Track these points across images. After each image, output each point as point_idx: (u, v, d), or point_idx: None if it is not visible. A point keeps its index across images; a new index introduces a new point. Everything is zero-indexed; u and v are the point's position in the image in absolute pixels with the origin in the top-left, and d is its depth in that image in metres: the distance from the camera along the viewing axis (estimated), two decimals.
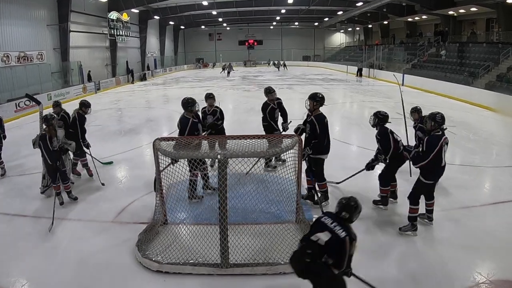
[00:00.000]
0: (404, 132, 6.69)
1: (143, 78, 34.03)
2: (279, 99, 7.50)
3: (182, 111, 6.12)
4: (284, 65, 43.64)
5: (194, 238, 4.83)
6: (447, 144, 5.00)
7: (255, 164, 5.62)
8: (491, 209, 5.91)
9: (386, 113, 5.81)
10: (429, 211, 5.37)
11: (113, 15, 29.35)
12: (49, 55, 21.77)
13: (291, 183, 5.14)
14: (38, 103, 6.99)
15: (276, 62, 44.70)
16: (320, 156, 5.71)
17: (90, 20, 26.72)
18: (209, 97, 7.35)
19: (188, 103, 6.01)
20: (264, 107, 7.38)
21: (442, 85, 19.53)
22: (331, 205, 5.98)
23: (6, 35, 18.37)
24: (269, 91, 7.37)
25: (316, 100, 5.67)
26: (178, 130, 6.07)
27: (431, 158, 4.80)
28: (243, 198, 5.18)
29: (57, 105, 7.75)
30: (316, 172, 5.85)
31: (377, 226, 5.38)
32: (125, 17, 31.16)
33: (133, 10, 32.22)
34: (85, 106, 7.73)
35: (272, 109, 7.36)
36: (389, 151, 5.56)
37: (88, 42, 26.87)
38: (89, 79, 25.68)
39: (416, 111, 6.91)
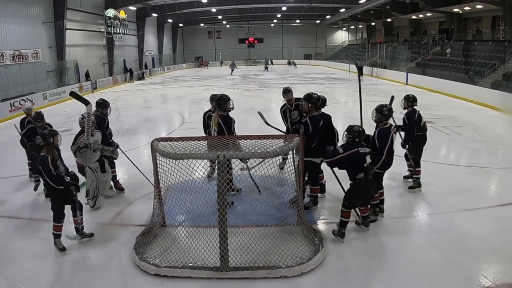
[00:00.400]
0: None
1: (141, 77, 34.09)
2: (298, 100, 6.55)
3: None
4: (293, 63, 45.39)
5: (193, 240, 4.83)
6: (395, 133, 5.50)
7: (258, 164, 5.56)
8: (497, 211, 5.90)
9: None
10: (381, 201, 5.61)
11: (110, 12, 29.39)
12: (44, 53, 21.79)
13: (292, 184, 5.14)
14: (87, 103, 6.10)
15: (266, 60, 44.90)
16: (312, 159, 5.57)
17: (87, 17, 26.76)
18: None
19: (222, 100, 5.94)
20: (280, 108, 7.15)
21: (447, 84, 19.53)
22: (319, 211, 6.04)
23: (1, 33, 18.41)
24: (283, 91, 7.10)
25: (311, 101, 5.55)
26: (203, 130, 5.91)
27: (386, 151, 5.24)
28: (245, 201, 5.18)
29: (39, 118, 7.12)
30: (311, 175, 5.82)
31: (384, 228, 5.38)
32: (122, 14, 31.18)
33: (130, 7, 32.27)
34: (101, 106, 6.94)
35: (287, 110, 6.97)
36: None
37: (84, 40, 26.90)
38: (88, 77, 25.68)
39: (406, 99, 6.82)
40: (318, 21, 50.94)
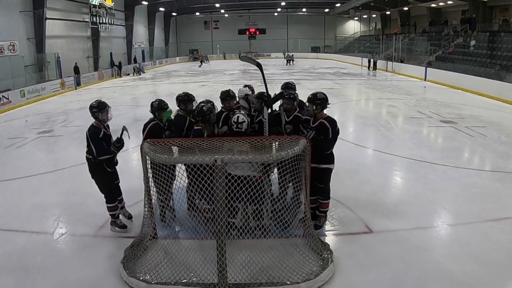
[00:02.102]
0: None
1: (137, 72, 34.08)
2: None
3: (174, 109, 6.15)
4: (291, 58, 43.41)
5: (187, 254, 4.84)
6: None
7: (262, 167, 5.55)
8: None
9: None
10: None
11: (95, 0, 29.47)
12: (22, 46, 21.86)
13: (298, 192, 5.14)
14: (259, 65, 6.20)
15: (286, 53, 44.54)
16: (329, 165, 5.50)
17: (69, 5, 26.86)
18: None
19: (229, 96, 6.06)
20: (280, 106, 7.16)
21: (470, 80, 19.52)
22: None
23: None
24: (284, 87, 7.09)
25: (316, 102, 5.39)
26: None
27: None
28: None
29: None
30: (325, 188, 5.62)
31: (393, 238, 5.39)
32: (108, 2, 31.31)
33: None
34: (184, 103, 6.06)
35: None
36: None
37: (66, 31, 26.99)
38: (76, 72, 25.71)
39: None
40: (326, 10, 51.03)
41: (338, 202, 6.43)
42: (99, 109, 5.60)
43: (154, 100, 5.99)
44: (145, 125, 5.83)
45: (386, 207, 6.31)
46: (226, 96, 6.29)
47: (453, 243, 5.35)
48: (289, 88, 6.60)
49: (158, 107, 5.86)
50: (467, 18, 29.67)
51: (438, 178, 7.58)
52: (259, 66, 6.16)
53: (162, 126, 5.81)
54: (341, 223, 5.88)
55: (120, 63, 32.47)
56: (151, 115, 5.97)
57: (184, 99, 6.04)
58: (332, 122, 5.35)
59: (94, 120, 5.72)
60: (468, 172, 7.96)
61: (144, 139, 5.33)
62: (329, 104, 5.42)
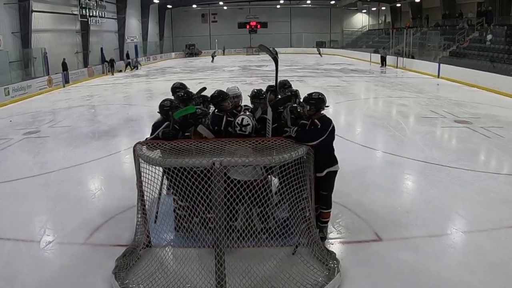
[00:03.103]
0: None
1: (134, 66, 34.11)
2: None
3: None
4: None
5: (183, 263, 4.83)
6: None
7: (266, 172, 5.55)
8: None
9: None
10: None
11: None
12: (6, 40, 21.89)
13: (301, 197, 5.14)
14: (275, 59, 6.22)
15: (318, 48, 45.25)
16: (333, 168, 5.43)
17: None
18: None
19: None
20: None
21: (487, 77, 19.51)
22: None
23: None
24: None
25: (310, 102, 5.33)
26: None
27: None
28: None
29: None
30: (328, 195, 5.53)
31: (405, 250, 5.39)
32: None
33: None
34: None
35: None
36: None
37: (54, 24, 27.02)
38: (64, 68, 25.70)
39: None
40: (332, 2, 51.05)
41: (345, 208, 6.42)
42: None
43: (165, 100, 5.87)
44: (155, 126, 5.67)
45: (396, 213, 6.31)
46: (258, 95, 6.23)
47: (469, 251, 5.34)
48: (286, 87, 6.65)
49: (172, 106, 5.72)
50: (483, 10, 29.67)
51: (452, 182, 7.57)
52: (275, 59, 6.15)
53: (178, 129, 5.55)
54: (348, 230, 5.87)
55: (112, 59, 32.49)
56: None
57: (185, 98, 6.03)
58: (325, 121, 5.24)
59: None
60: (484, 175, 7.95)
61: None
62: (326, 106, 5.38)
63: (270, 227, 5.08)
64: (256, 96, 6.24)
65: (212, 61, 43.01)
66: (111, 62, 32.13)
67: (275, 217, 5.34)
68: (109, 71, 31.88)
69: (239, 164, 4.45)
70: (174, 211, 5.54)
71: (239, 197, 4.54)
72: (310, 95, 5.37)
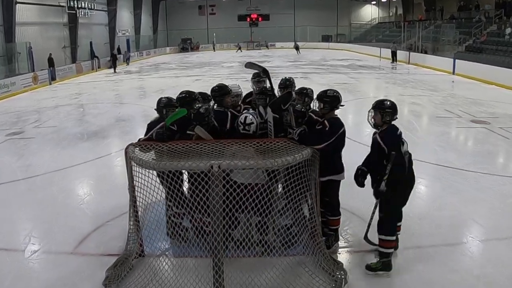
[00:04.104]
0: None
1: (126, 61, 34.29)
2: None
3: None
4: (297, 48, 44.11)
5: (179, 274, 4.82)
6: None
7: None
8: None
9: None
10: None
11: None
12: None
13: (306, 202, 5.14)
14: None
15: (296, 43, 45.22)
16: (336, 177, 5.45)
17: None
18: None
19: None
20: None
21: (506, 73, 19.47)
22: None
23: None
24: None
25: (324, 100, 5.31)
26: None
27: None
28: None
29: None
30: (331, 202, 5.54)
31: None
32: None
33: None
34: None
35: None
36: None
37: (40, 17, 27.05)
38: (50, 64, 25.71)
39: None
40: None
41: (353, 215, 6.41)
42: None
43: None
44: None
45: (408, 220, 6.27)
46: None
47: (487, 262, 5.32)
48: (288, 87, 6.62)
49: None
50: (502, 2, 29.65)
51: (469, 186, 7.58)
52: (265, 72, 6.17)
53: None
54: (356, 238, 5.86)
55: (114, 54, 32.29)
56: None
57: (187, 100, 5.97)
58: (336, 124, 5.20)
59: None
60: (503, 180, 7.94)
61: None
62: (342, 105, 5.39)
63: (267, 240, 5.02)
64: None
65: (298, 52, 43.24)
66: (114, 57, 32.08)
67: (274, 227, 5.31)
68: (110, 67, 31.87)
69: (239, 168, 4.45)
70: (170, 218, 5.54)
71: (239, 202, 4.54)
72: (324, 92, 5.37)
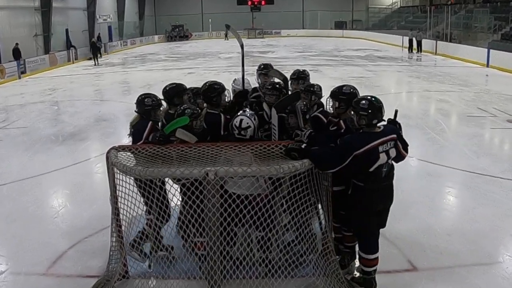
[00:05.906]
0: None
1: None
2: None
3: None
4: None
5: None
6: None
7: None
8: None
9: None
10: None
11: None
12: None
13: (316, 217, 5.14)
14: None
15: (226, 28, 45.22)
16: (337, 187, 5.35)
17: None
18: None
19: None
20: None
21: None
22: None
23: None
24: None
25: (340, 98, 5.33)
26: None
27: None
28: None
29: None
30: (346, 215, 5.41)
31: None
32: None
33: None
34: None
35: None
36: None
37: (7, 1, 27.02)
38: (17, 56, 25.71)
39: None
40: None
41: None
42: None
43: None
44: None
45: (435, 236, 6.29)
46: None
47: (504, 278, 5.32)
48: (301, 79, 6.62)
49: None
50: None
51: (505, 197, 7.57)
52: (285, 81, 6.20)
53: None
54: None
55: (94, 42, 32.22)
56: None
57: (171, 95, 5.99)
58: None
59: None
60: None
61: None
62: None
63: (271, 259, 5.00)
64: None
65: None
66: (93, 45, 31.94)
67: (279, 244, 5.31)
68: (90, 58, 31.87)
69: (238, 175, 4.44)
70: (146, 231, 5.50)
71: (239, 215, 4.53)
72: (340, 88, 5.36)
